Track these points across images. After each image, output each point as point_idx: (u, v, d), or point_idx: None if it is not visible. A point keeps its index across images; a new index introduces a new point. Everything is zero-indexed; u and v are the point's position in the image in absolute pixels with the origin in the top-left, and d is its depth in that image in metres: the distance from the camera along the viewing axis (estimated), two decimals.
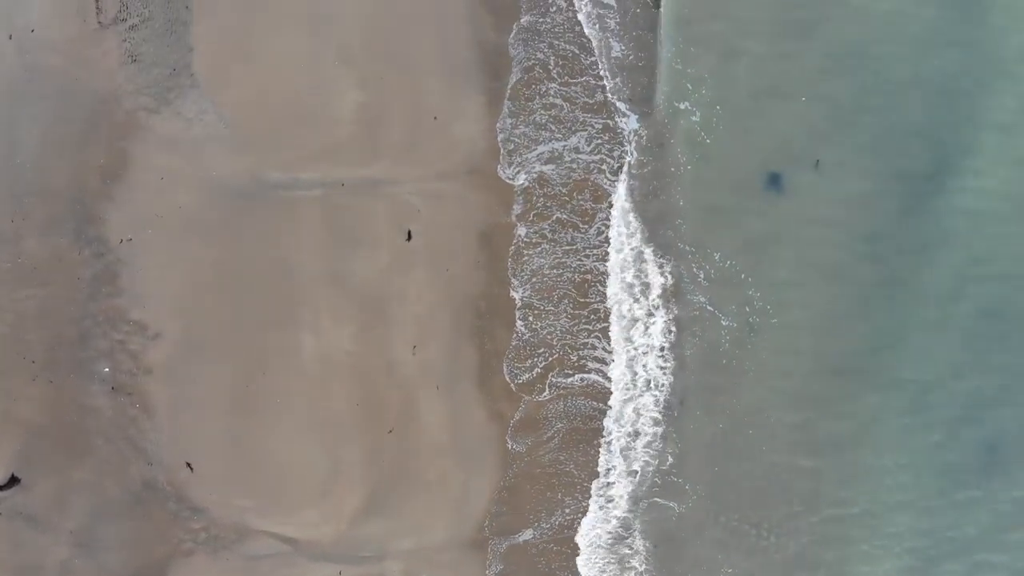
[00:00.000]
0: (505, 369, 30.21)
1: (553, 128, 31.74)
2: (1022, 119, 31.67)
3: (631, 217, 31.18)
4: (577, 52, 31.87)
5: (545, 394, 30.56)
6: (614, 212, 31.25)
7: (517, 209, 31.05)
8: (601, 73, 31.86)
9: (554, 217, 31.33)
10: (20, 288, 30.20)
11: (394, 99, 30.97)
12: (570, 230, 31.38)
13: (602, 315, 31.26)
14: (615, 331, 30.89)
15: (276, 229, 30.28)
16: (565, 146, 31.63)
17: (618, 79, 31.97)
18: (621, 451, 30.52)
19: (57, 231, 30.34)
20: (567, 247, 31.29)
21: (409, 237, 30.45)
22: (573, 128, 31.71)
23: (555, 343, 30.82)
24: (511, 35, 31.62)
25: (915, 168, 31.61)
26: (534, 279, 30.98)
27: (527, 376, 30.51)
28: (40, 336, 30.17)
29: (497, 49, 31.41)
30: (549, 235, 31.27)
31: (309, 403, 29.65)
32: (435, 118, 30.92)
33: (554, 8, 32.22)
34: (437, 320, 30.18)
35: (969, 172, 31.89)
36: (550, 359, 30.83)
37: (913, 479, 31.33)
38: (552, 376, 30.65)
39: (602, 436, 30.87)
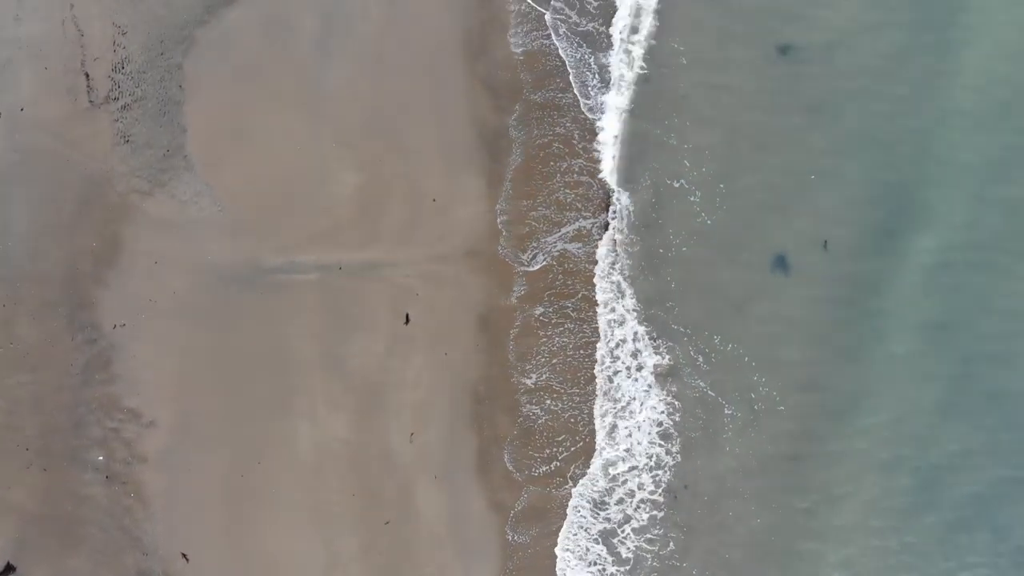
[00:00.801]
0: (506, 457, 29.74)
1: (554, 212, 31.13)
2: None
3: (622, 300, 30.57)
4: (576, 132, 31.28)
5: (549, 484, 30.06)
6: (599, 293, 30.81)
7: (517, 291, 30.46)
8: (596, 153, 31.21)
9: (551, 301, 30.73)
10: (13, 374, 29.84)
11: (392, 181, 30.67)
12: (566, 315, 30.78)
13: (600, 397, 30.70)
14: (603, 413, 30.38)
15: (272, 314, 29.93)
16: (565, 231, 31.04)
17: (613, 156, 31.74)
18: (618, 541, 30.08)
19: (50, 316, 29.95)
20: (566, 330, 30.74)
21: (407, 321, 30.05)
22: (573, 211, 31.12)
23: (557, 427, 30.33)
24: (512, 116, 30.95)
25: (924, 246, 31.26)
26: (534, 363, 30.41)
27: (530, 465, 30.00)
28: (33, 423, 29.85)
29: (496, 130, 31.11)
30: (550, 319, 30.72)
31: (305, 493, 29.37)
32: (434, 200, 30.52)
33: (554, 87, 31.58)
34: (435, 406, 29.85)
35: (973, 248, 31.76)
36: (552, 445, 30.33)
37: (919, 559, 30.75)
38: (554, 464, 30.19)
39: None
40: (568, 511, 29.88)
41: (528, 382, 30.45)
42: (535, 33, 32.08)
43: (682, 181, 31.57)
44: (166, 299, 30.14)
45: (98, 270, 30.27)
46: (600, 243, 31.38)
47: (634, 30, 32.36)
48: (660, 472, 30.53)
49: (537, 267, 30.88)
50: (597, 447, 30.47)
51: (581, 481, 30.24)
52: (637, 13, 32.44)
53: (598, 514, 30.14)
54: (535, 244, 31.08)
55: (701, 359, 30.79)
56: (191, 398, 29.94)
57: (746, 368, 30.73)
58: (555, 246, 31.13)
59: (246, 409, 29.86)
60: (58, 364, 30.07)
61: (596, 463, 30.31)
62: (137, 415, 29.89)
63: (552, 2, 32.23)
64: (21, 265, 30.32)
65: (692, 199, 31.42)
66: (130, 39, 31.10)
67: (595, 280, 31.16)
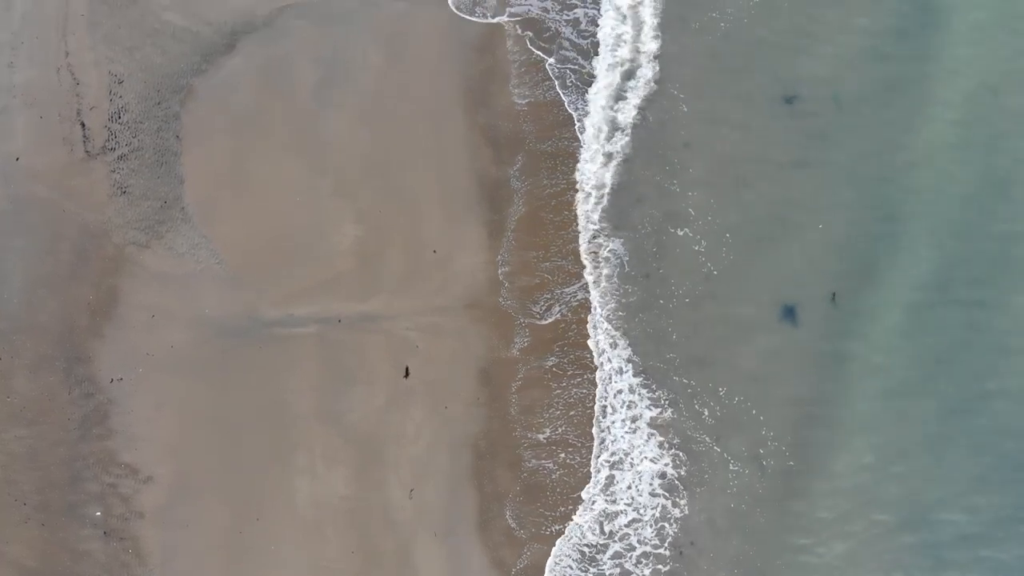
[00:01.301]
0: (508, 513, 29.42)
1: (569, 263, 30.83)
2: None
3: (616, 351, 30.46)
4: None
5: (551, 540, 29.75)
6: (594, 344, 30.68)
7: (519, 343, 30.10)
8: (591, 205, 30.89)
9: (554, 353, 30.40)
10: (10, 428, 29.64)
11: (392, 232, 30.43)
12: (564, 370, 30.46)
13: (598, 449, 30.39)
14: (599, 467, 30.10)
15: (270, 368, 29.70)
16: (568, 290, 30.74)
17: (611, 205, 31.58)
18: None
19: (47, 370, 29.69)
20: (567, 383, 30.41)
21: (407, 374, 29.77)
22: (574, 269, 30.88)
23: (559, 482, 30.00)
24: (514, 167, 30.60)
25: (937, 301, 31.27)
26: (536, 416, 30.08)
27: (532, 521, 29.67)
28: (31, 478, 29.66)
29: (497, 181, 30.93)
30: (550, 372, 30.36)
31: (304, 550, 29.17)
32: (434, 251, 30.21)
33: (556, 137, 31.24)
34: (435, 461, 29.61)
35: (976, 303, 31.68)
36: (554, 500, 30.01)
37: None
38: (556, 520, 29.87)
39: None
40: (564, 566, 29.56)
41: (530, 436, 30.07)
42: (537, 83, 31.64)
43: (686, 230, 31.12)
44: (164, 353, 29.87)
45: (95, 323, 30.00)
46: (593, 293, 30.91)
47: (635, 77, 31.87)
48: (665, 524, 30.12)
49: (549, 320, 30.42)
50: (594, 500, 30.08)
51: (577, 535, 29.86)
52: (639, 59, 31.91)
53: (588, 570, 29.77)
54: (547, 295, 30.66)
55: (707, 412, 30.38)
56: (189, 453, 29.70)
57: (754, 422, 30.21)
58: (565, 298, 30.64)
59: (245, 464, 29.62)
60: (55, 418, 29.84)
61: (593, 516, 29.92)
62: (135, 470, 29.65)
63: (556, 52, 31.77)
64: (18, 317, 30.09)
65: (697, 248, 30.95)
66: (126, 88, 30.79)
67: (589, 330, 30.66)
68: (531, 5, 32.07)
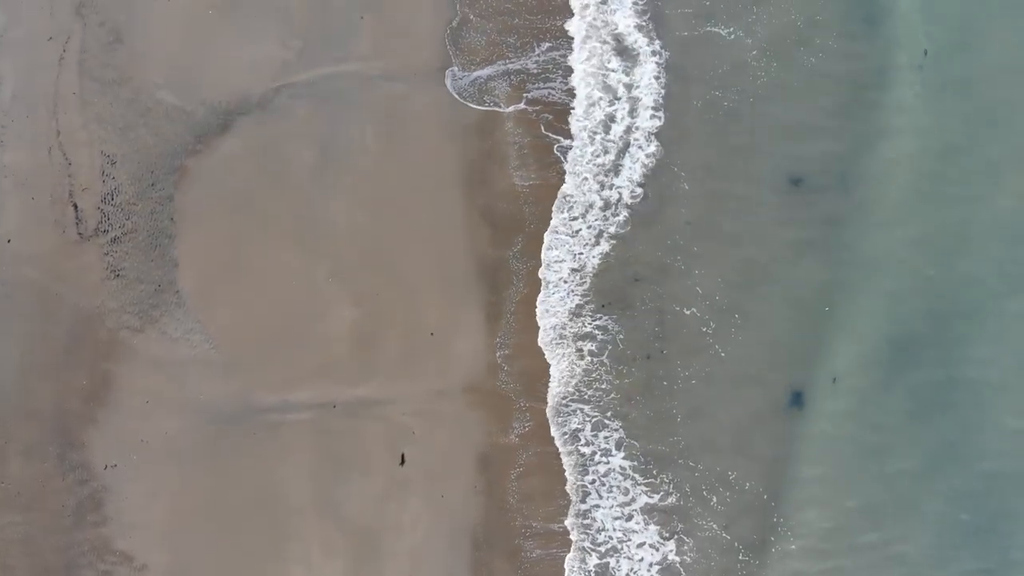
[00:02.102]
0: None
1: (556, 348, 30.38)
2: None
3: (609, 432, 30.25)
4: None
5: None
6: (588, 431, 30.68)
7: (518, 429, 29.71)
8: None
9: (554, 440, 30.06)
10: (4, 514, 29.63)
11: (389, 315, 30.20)
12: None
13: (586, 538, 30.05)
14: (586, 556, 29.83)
15: (265, 455, 29.58)
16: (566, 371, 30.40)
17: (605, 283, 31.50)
18: None
19: (40, 456, 29.53)
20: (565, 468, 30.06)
21: (403, 461, 29.52)
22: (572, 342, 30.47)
23: (557, 571, 29.66)
24: (514, 249, 30.21)
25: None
26: (535, 505, 29.75)
27: None
28: (25, 564, 29.70)
29: (496, 263, 30.63)
30: (553, 459, 29.98)
31: None
32: (432, 334, 29.83)
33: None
34: (432, 551, 29.50)
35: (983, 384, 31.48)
36: None
37: None
38: None
39: None
40: None
41: (530, 525, 29.72)
42: (539, 164, 31.15)
43: (693, 309, 30.55)
44: (158, 440, 29.64)
45: (89, 409, 29.81)
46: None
47: (634, 155, 31.36)
48: None
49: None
50: None
51: None
52: (638, 137, 31.36)
53: None
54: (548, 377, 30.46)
55: (715, 499, 29.91)
56: (184, 541, 29.60)
57: (765, 507, 29.79)
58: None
59: (240, 553, 29.51)
60: (50, 504, 29.71)
61: None
62: (129, 558, 29.49)
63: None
64: (10, 402, 29.98)
65: (706, 329, 30.39)
66: (119, 169, 30.44)
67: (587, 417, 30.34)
68: (552, 89, 31.40)
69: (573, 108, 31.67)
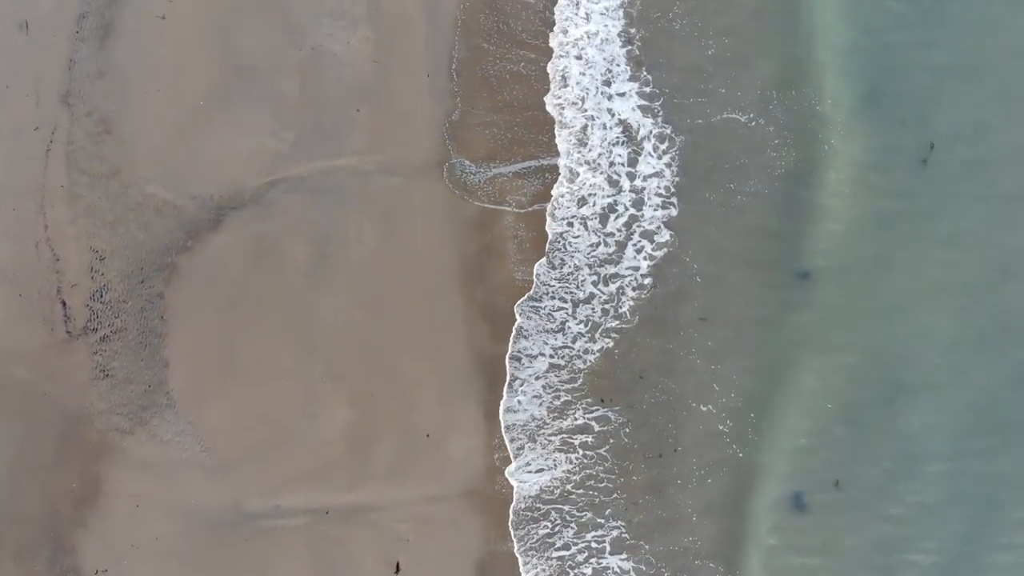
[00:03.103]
0: None
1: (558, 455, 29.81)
2: None
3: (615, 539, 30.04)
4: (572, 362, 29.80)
5: None
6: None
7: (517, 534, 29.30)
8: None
9: (556, 548, 29.53)
10: None
11: (384, 416, 30.05)
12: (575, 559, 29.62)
13: None
14: None
15: (257, 562, 29.61)
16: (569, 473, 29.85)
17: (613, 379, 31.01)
18: None
19: (31, 559, 29.42)
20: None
21: (397, 570, 29.10)
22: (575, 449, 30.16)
23: None
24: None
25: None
26: None
27: None
28: None
29: (495, 359, 29.98)
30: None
31: None
32: (427, 435, 29.40)
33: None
34: None
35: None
36: None
37: None
38: None
39: None
40: None
41: None
42: (537, 254, 30.42)
43: (710, 406, 30.11)
44: (148, 544, 29.36)
45: (79, 512, 29.51)
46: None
47: (644, 250, 30.62)
48: None
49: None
50: None
51: None
52: (650, 228, 30.59)
53: None
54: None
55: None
56: None
57: None
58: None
59: None
60: None
61: None
62: None
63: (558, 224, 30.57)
64: (1, 504, 29.22)
65: (722, 428, 30.23)
66: (108, 265, 29.84)
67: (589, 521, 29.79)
68: (555, 181, 31.07)
69: (577, 200, 30.90)
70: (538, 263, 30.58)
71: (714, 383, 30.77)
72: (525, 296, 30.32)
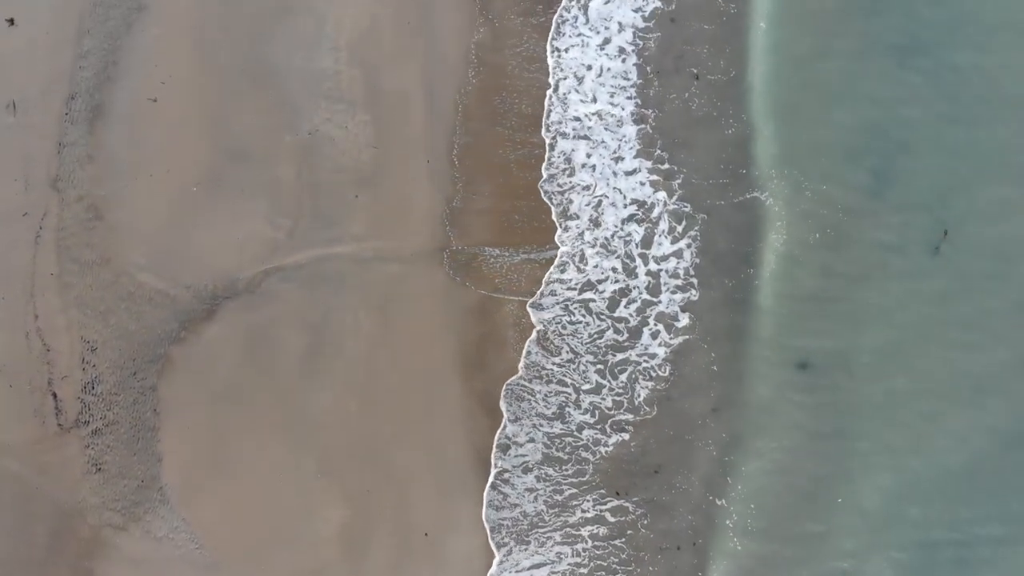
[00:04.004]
0: None
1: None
2: None
3: None
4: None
5: None
6: None
7: None
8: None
9: None
10: None
11: (381, 514, 29.90)
12: None
13: None
14: None
15: None
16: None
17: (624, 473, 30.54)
18: None
19: None
20: None
21: None
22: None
23: None
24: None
25: None
26: None
27: None
28: None
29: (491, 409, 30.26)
30: None
31: None
32: (425, 534, 28.95)
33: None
34: None
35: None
36: None
37: None
38: None
39: None
40: None
41: None
42: (538, 352, 29.84)
43: (723, 500, 30.43)
44: None
45: None
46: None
47: (660, 336, 29.95)
48: None
49: None
50: None
51: None
52: (658, 324, 29.98)
53: None
54: None
55: None
56: None
57: None
58: None
59: None
60: None
61: None
62: None
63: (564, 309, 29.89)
64: None
65: (728, 522, 30.40)
66: (100, 356, 29.28)
67: None
68: (562, 267, 30.58)
69: (582, 284, 30.22)
70: (529, 340, 29.81)
71: (728, 476, 30.46)
72: (514, 376, 29.74)
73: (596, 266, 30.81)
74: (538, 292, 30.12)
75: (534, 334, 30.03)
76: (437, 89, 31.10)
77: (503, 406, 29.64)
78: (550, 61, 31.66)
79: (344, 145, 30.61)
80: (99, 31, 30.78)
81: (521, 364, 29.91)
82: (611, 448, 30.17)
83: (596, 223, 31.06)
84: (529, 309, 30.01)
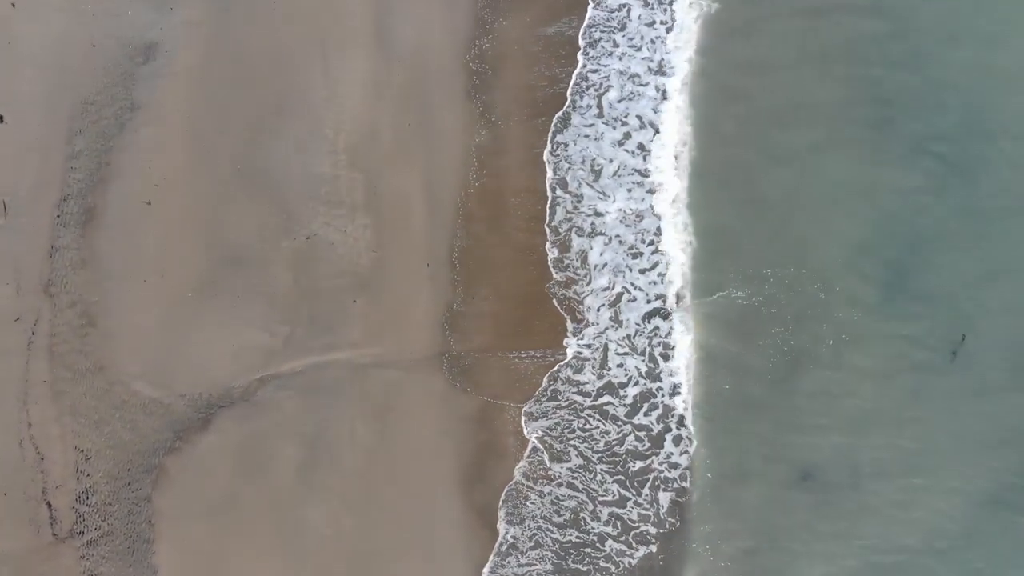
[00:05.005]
0: None
1: None
2: None
3: None
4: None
5: None
6: None
7: None
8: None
9: None
10: None
11: None
12: None
13: None
14: None
15: None
16: None
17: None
18: None
19: None
20: None
21: None
22: None
23: None
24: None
25: None
26: None
27: None
28: None
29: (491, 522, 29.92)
30: None
31: None
32: None
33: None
34: None
35: None
36: None
37: None
38: None
39: None
40: None
41: None
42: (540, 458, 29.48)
43: None
44: None
45: None
46: None
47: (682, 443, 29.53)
48: None
49: None
50: None
51: None
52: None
53: None
54: None
55: None
56: None
57: None
58: None
59: None
60: None
61: None
62: None
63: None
64: None
65: None
66: (94, 466, 29.02)
67: None
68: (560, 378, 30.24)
69: (597, 388, 29.85)
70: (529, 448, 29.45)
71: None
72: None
73: (612, 367, 30.45)
74: (533, 398, 29.86)
75: (533, 442, 29.70)
76: (438, 191, 30.67)
77: (501, 516, 29.34)
78: (551, 159, 31.43)
79: (343, 249, 30.16)
80: (91, 131, 30.32)
81: (518, 470, 29.59)
82: (635, 560, 29.82)
83: (617, 322, 30.83)
84: (524, 416, 29.75)
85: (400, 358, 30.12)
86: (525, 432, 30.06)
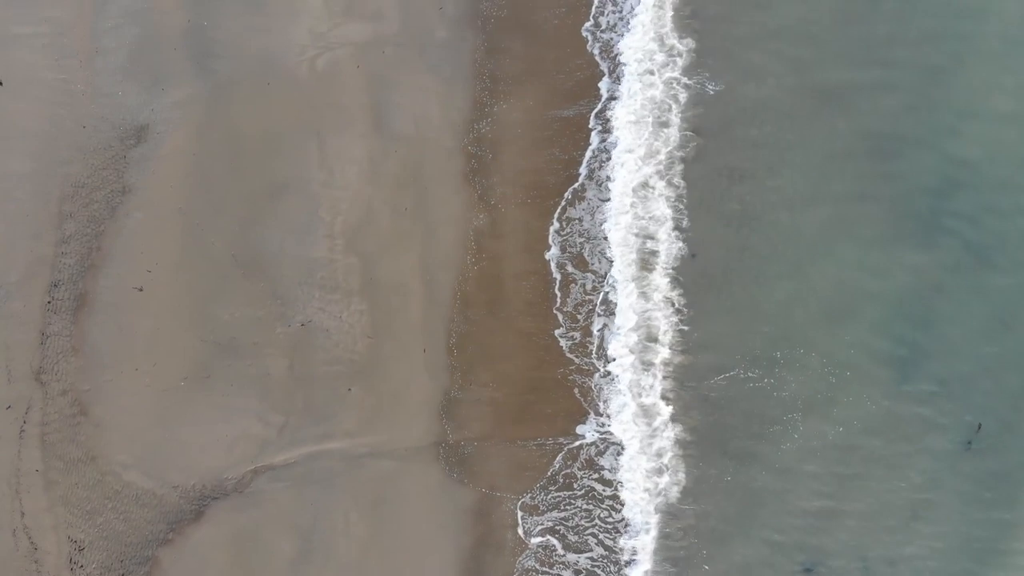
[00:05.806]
0: None
1: None
2: None
3: None
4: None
5: None
6: None
7: None
8: None
9: None
10: None
11: None
12: None
13: None
14: None
15: None
16: None
17: None
18: None
19: None
20: None
21: None
22: None
23: None
24: None
25: None
26: None
27: None
28: None
29: None
30: None
31: None
32: None
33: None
34: None
35: None
36: None
37: None
38: None
39: None
40: None
41: None
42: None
43: None
44: None
45: None
46: None
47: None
48: None
49: None
50: None
51: None
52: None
53: None
54: None
55: None
56: None
57: None
58: None
59: None
60: None
61: None
62: None
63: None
64: None
65: None
66: (87, 557, 28.80)
67: None
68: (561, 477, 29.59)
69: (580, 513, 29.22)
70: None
71: None
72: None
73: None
74: (530, 490, 29.19)
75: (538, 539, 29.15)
76: (435, 276, 30.14)
77: None
78: (555, 242, 30.73)
79: (338, 336, 29.63)
80: (81, 215, 29.91)
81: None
82: None
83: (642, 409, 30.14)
84: (520, 512, 29.16)
85: (396, 447, 29.68)
86: (520, 531, 29.34)
